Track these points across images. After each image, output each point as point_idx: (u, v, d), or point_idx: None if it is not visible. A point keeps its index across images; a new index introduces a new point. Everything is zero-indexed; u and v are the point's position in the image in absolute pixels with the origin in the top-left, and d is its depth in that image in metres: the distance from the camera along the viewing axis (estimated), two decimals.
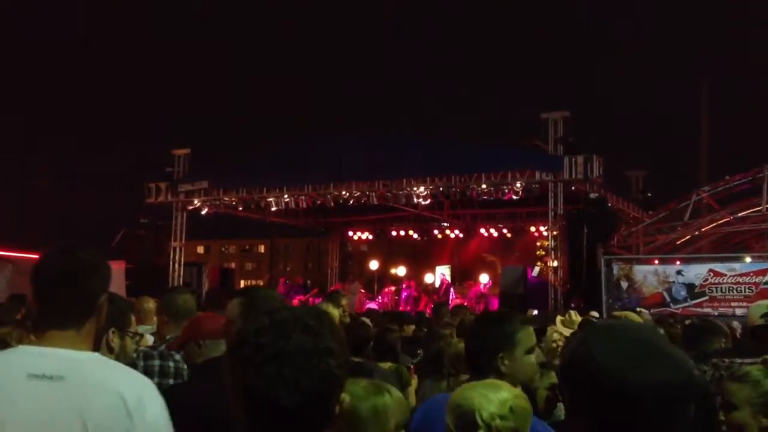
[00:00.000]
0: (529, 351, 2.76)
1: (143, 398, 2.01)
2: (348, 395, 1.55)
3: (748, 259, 15.43)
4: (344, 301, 8.84)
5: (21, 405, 1.92)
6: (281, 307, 1.49)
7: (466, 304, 19.58)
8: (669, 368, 1.28)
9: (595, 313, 10.98)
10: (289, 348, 1.36)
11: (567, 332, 6.60)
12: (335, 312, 5.83)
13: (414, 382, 5.57)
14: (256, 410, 1.37)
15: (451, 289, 21.70)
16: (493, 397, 2.13)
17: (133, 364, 3.33)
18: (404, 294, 22.09)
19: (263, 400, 1.35)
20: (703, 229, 17.60)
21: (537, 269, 20.97)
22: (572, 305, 14.24)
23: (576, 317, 8.30)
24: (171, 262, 21.89)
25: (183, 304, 4.20)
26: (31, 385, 1.93)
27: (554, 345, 5.87)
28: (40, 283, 2.10)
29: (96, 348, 2.18)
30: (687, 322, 8.87)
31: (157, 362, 3.74)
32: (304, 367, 1.36)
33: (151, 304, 5.35)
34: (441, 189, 18.62)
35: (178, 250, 22.08)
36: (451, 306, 11.48)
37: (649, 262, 16.26)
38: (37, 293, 2.11)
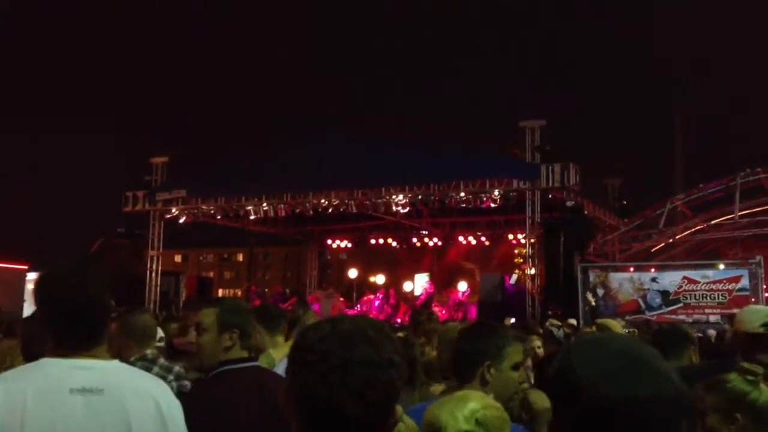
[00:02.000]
0: (515, 367, 2.77)
1: (171, 403, 2.13)
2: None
3: (722, 266, 15.62)
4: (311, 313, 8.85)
5: (69, 420, 1.94)
6: (343, 317, 1.52)
7: (444, 311, 19.72)
8: (652, 383, 1.24)
9: (572, 321, 11.10)
10: (355, 358, 1.39)
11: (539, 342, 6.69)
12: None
13: None
14: (316, 416, 1.39)
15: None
16: (459, 413, 2.12)
17: None
18: (377, 302, 22.06)
19: (326, 408, 1.37)
20: (677, 237, 17.81)
21: (515, 277, 21.06)
22: (549, 313, 14.36)
23: (554, 323, 8.41)
24: (148, 272, 21.67)
25: (143, 324, 4.13)
26: (74, 399, 1.96)
27: (533, 352, 5.93)
28: (63, 307, 2.07)
29: None
30: (656, 328, 8.98)
31: (156, 370, 3.80)
32: (369, 377, 1.38)
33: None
34: (420, 197, 18.68)
35: (155, 259, 21.89)
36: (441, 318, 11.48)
37: (625, 269, 16.41)
38: (58, 320, 2.08)
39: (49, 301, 2.11)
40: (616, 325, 7.12)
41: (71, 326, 2.07)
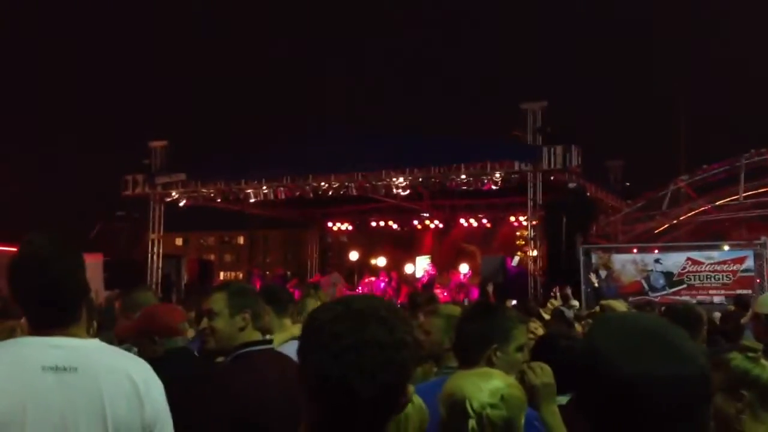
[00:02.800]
0: (520, 348, 2.79)
1: (148, 380, 2.09)
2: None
3: (726, 247, 15.58)
4: (322, 296, 8.84)
5: (40, 398, 1.92)
6: (355, 297, 1.50)
7: (445, 293, 19.70)
8: (675, 362, 1.21)
9: (575, 302, 11.06)
10: (367, 338, 1.37)
11: (546, 315, 6.63)
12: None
13: None
14: (327, 397, 1.38)
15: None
16: (485, 386, 2.10)
17: None
18: (382, 285, 22.08)
19: (337, 388, 1.35)
20: (681, 218, 17.78)
21: (517, 259, 21.02)
22: (551, 295, 14.33)
23: (557, 303, 8.37)
24: (149, 255, 21.70)
25: (144, 301, 4.16)
26: (46, 377, 1.94)
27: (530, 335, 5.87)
28: (32, 284, 2.05)
29: None
30: (663, 308, 8.88)
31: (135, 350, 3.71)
32: (381, 358, 1.37)
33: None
34: (420, 180, 18.59)
35: (156, 242, 21.88)
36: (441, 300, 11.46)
37: (628, 251, 16.37)
38: (28, 298, 2.07)
39: (18, 280, 2.08)
40: (621, 307, 7.06)
41: (42, 304, 2.04)
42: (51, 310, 2.04)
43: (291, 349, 3.81)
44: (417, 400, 2.21)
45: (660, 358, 1.20)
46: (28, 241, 2.10)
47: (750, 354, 2.53)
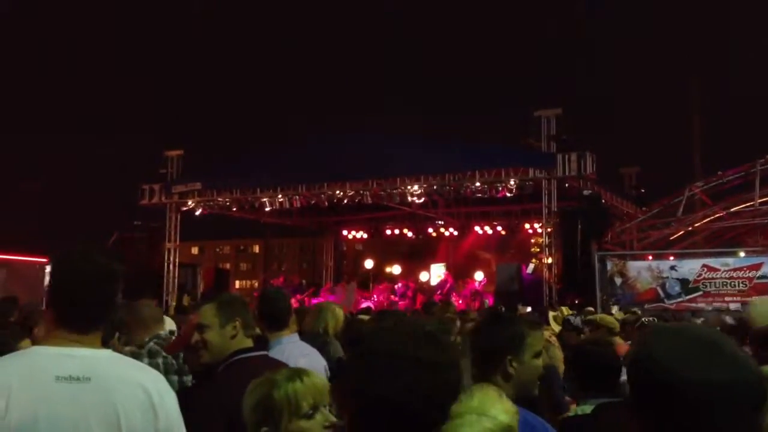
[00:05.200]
0: (537, 355, 2.71)
1: (161, 391, 2.11)
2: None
3: (742, 254, 15.47)
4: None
5: (52, 408, 1.93)
6: (404, 317, 1.50)
7: (460, 301, 19.69)
8: (730, 368, 1.25)
9: (590, 309, 11.02)
10: (423, 360, 1.37)
11: (557, 328, 6.65)
12: (341, 312, 5.86)
13: None
14: (380, 416, 1.37)
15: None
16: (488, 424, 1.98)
17: None
18: (399, 291, 22.08)
19: (394, 409, 1.35)
20: (696, 225, 17.67)
21: (532, 266, 20.98)
22: (567, 302, 14.29)
23: (567, 312, 8.36)
24: (166, 264, 21.84)
25: (149, 314, 4.29)
26: (59, 387, 1.96)
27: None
28: (69, 286, 2.09)
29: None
30: (644, 320, 8.85)
31: (146, 360, 3.77)
32: (436, 379, 1.37)
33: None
34: (435, 187, 18.62)
35: (172, 251, 22.04)
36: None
37: (643, 257, 16.29)
38: (61, 296, 2.10)
39: (60, 272, 2.13)
40: (610, 319, 7.08)
41: (67, 310, 2.07)
42: (79, 310, 2.07)
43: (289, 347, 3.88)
44: (311, 377, 2.21)
45: (716, 365, 1.25)
46: (80, 244, 2.16)
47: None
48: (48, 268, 19.19)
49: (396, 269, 26.32)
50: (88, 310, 2.09)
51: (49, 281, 2.14)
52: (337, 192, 19.50)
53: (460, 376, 1.44)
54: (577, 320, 7.08)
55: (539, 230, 20.10)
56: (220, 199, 21.27)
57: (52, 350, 2.02)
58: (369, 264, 26.84)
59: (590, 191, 17.35)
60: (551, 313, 7.98)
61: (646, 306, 14.66)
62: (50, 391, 1.94)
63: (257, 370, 3.02)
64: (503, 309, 11.23)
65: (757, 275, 14.65)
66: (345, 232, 27.57)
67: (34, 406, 1.91)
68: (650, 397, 1.29)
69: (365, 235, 27.41)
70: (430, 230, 26.01)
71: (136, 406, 2.02)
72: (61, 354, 2.00)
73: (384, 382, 1.35)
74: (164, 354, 3.95)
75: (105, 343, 2.76)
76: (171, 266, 21.91)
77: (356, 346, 1.46)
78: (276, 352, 3.73)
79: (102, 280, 2.11)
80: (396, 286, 22.66)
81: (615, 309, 11.51)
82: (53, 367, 1.97)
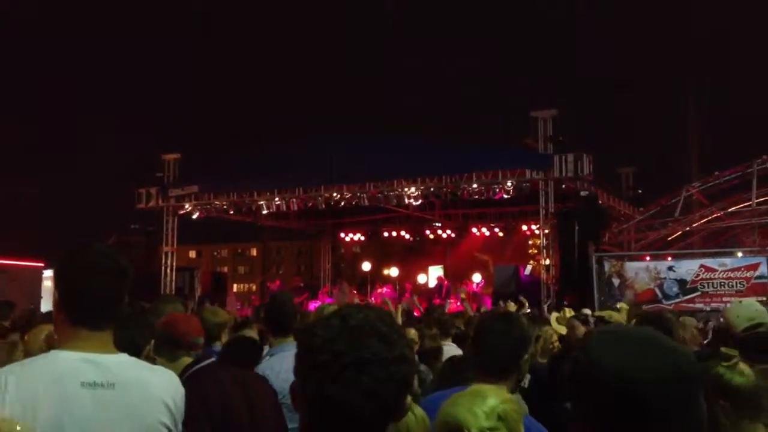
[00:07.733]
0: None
1: (177, 394, 2.15)
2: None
3: (740, 254, 15.50)
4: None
5: (77, 413, 1.94)
6: (351, 311, 1.45)
7: (458, 303, 19.66)
8: (672, 363, 1.28)
9: (587, 310, 11.01)
10: (367, 356, 1.36)
11: (562, 330, 6.64)
12: None
13: None
14: (328, 416, 1.37)
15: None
16: (479, 410, 2.01)
17: None
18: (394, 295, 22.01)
19: (339, 408, 1.34)
20: (693, 225, 17.69)
21: (529, 267, 20.96)
22: (564, 303, 14.28)
23: (570, 314, 8.34)
24: (163, 267, 21.84)
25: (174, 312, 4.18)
26: (85, 393, 1.97)
27: (551, 346, 5.90)
28: (84, 283, 2.09)
29: None
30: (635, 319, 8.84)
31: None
32: (382, 376, 1.35)
33: None
34: (432, 189, 18.63)
35: (169, 255, 22.04)
36: (451, 310, 11.47)
37: (641, 258, 16.30)
38: (76, 293, 2.09)
39: (73, 270, 2.12)
40: (617, 315, 7.07)
41: (80, 305, 2.07)
42: (89, 307, 2.07)
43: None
44: (419, 411, 2.18)
45: (659, 362, 1.27)
46: (91, 243, 2.16)
47: (724, 363, 2.52)
48: (46, 273, 19.20)
49: (393, 271, 26.32)
50: (104, 306, 2.09)
51: (58, 282, 2.13)
52: (334, 194, 19.50)
53: (411, 371, 1.42)
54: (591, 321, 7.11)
55: (536, 231, 20.10)
56: (217, 202, 21.27)
57: (74, 355, 2.02)
58: (366, 266, 26.82)
59: (587, 192, 17.35)
60: (554, 315, 7.96)
61: (644, 307, 14.66)
62: (75, 397, 1.95)
63: (216, 377, 3.16)
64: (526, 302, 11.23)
65: (755, 275, 14.67)
66: (342, 235, 27.56)
67: (59, 412, 1.92)
68: (597, 403, 1.29)
69: (362, 238, 27.41)
70: (428, 232, 26.01)
71: (157, 410, 2.06)
72: (85, 359, 2.01)
73: (326, 383, 1.34)
74: None
75: (140, 348, 2.93)
76: (168, 270, 21.90)
77: (302, 346, 1.44)
78: (278, 359, 3.70)
79: (116, 277, 2.12)
80: (394, 289, 22.61)
81: (620, 304, 11.49)
82: (77, 373, 1.98)
